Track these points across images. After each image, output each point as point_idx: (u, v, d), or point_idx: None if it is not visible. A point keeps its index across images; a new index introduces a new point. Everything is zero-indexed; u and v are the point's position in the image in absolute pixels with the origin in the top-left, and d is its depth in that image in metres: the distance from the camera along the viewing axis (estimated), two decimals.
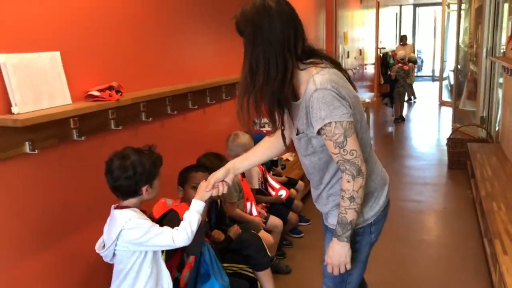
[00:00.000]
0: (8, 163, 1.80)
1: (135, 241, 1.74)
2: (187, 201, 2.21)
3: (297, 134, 1.64)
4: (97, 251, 1.82)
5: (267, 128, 3.49)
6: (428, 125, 8.79)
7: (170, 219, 2.09)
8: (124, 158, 1.78)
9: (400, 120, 8.98)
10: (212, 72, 3.44)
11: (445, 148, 5.90)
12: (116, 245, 1.75)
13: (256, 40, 1.51)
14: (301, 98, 1.58)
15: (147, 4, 2.65)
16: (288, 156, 4.81)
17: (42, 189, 1.97)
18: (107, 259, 1.84)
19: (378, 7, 11.66)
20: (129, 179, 1.77)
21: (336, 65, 1.63)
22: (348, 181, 1.55)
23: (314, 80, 1.52)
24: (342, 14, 7.63)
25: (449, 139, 5.73)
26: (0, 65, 1.75)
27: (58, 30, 2.03)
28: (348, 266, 1.66)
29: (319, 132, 1.55)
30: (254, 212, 2.99)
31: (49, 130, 1.94)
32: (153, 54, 2.70)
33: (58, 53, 2.01)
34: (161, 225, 1.84)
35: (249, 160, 1.89)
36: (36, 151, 1.87)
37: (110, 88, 2.21)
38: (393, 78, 9.08)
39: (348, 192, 1.56)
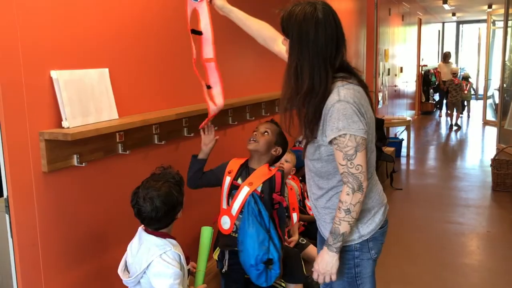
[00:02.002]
0: (57, 174, 1.87)
1: (156, 275, 1.71)
2: None
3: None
4: (120, 275, 1.79)
5: None
6: (471, 145, 8.56)
7: None
8: (152, 199, 1.73)
9: (456, 127, 10.13)
10: (251, 88, 3.47)
11: (489, 169, 5.72)
12: (144, 272, 1.73)
13: (302, 46, 1.58)
14: None
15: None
16: None
17: (87, 201, 2.04)
18: (130, 285, 1.80)
19: (420, 24, 11.50)
20: (166, 216, 1.76)
21: (363, 85, 1.68)
22: (348, 194, 1.59)
23: (338, 92, 1.58)
24: (383, 31, 7.57)
25: (493, 160, 5.55)
26: (53, 81, 1.83)
27: (107, 48, 2.11)
28: (334, 277, 1.68)
29: (331, 142, 1.59)
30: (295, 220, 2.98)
31: (96, 144, 2.00)
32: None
33: (106, 70, 2.08)
34: None
35: (247, 19, 2.06)
36: (84, 164, 1.93)
37: None
38: (445, 90, 10.64)
39: (345, 204, 1.59)
